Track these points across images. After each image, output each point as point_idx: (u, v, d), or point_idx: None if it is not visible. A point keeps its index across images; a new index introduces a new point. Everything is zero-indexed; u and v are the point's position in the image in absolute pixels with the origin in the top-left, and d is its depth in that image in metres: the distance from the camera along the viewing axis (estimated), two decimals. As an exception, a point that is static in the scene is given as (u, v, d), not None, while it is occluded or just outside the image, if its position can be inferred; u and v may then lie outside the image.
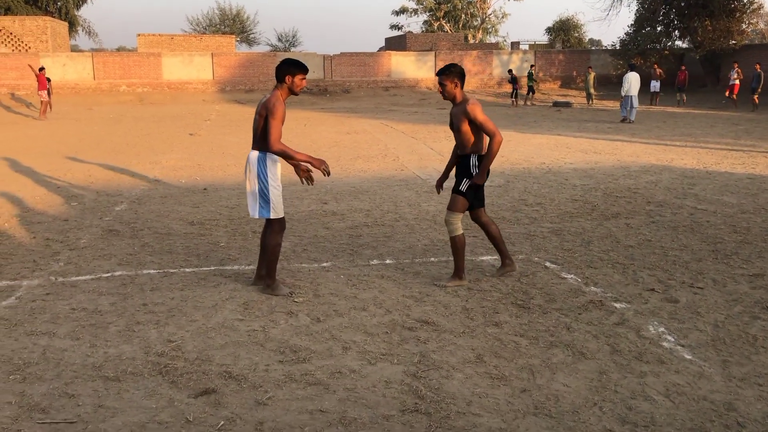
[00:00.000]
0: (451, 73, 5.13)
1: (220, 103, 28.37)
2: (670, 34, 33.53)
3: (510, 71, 29.31)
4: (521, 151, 13.47)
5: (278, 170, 5.13)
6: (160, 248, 6.39)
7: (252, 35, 55.70)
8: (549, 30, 48.53)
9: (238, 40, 47.92)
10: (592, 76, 27.77)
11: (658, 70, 27.55)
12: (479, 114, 5.05)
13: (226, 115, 23.07)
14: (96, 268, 5.73)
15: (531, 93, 28.74)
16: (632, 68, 20.39)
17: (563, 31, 47.18)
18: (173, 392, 3.52)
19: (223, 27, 53.22)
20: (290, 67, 5.06)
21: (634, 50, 32.62)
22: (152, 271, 5.65)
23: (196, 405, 3.39)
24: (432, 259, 6.03)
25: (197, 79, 31.74)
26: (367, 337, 4.26)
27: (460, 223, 5.22)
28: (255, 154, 5.06)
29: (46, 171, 11.01)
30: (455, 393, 3.53)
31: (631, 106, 19.64)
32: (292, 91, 5.14)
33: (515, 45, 43.10)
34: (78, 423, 3.22)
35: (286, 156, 5.02)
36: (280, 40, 56.64)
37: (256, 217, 5.08)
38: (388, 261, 5.96)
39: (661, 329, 4.40)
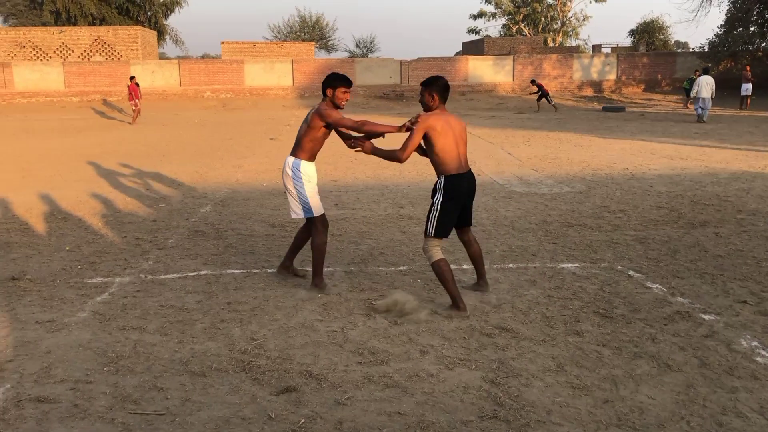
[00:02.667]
0: (431, 85, 4.84)
1: (300, 109, 28.93)
2: (764, 34, 31.92)
3: (533, 81, 28.44)
4: (603, 156, 13.13)
5: (313, 171, 5.28)
6: (243, 249, 6.58)
7: (331, 42, 56.70)
8: (632, 32, 47.15)
9: (317, 47, 48.86)
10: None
11: (750, 73, 26.25)
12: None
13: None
14: (183, 267, 5.96)
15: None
16: (705, 71, 21.16)
17: (647, 33, 45.73)
18: (256, 389, 3.62)
19: (303, 34, 54.38)
20: (332, 81, 5.12)
21: (725, 52, 31.26)
22: (236, 271, 5.82)
23: (277, 402, 3.47)
24: (510, 265, 5.96)
25: (277, 85, 32.51)
26: (445, 341, 4.25)
27: (438, 248, 4.80)
28: (291, 159, 5.25)
29: (136, 174, 11.53)
30: (535, 401, 3.47)
31: (703, 107, 20.38)
32: (335, 104, 5.17)
33: (597, 48, 42.10)
34: (167, 415, 3.36)
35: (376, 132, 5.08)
36: (358, 46, 57.46)
37: (300, 217, 5.28)
38: (465, 266, 5.93)
39: (754, 343, 4.19)
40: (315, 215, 5.25)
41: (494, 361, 3.95)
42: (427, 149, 4.87)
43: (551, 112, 25.90)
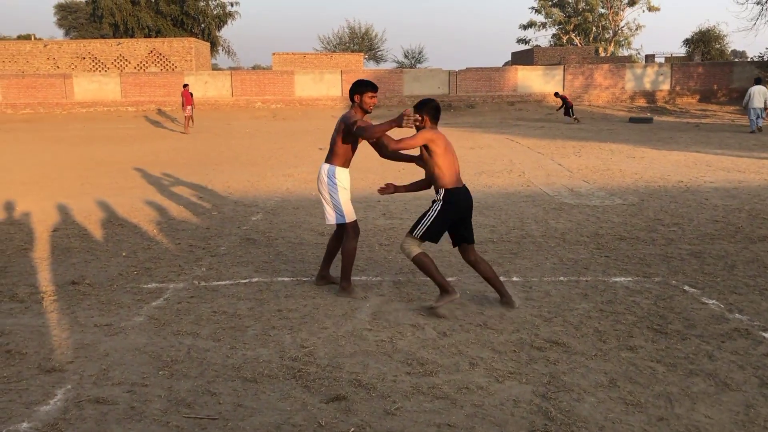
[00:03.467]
0: (422, 107, 5.03)
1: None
2: (826, 43, 30.82)
3: (557, 93, 27.97)
4: (656, 168, 12.85)
5: (346, 178, 5.43)
6: (293, 257, 6.67)
7: (379, 52, 57.04)
8: (687, 41, 46.10)
9: (366, 58, 49.24)
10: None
11: None
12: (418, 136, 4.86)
13: (353, 130, 23.68)
14: (235, 274, 6.07)
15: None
16: (758, 81, 21.28)
17: (703, 42, 44.65)
18: (306, 396, 3.66)
19: (352, 45, 54.88)
20: (359, 87, 5.31)
21: (785, 61, 30.30)
22: (286, 279, 5.90)
23: (327, 410, 3.50)
24: (561, 278, 5.88)
25: (326, 96, 32.87)
26: (495, 354, 4.22)
27: (418, 245, 4.92)
28: (326, 166, 5.43)
29: (189, 182, 11.80)
30: (587, 417, 3.42)
31: (757, 117, 20.54)
32: (363, 110, 5.36)
33: (650, 58, 41.30)
34: (219, 420, 3.42)
35: (384, 141, 5.19)
36: (406, 56, 57.61)
37: (333, 223, 5.44)
38: (514, 278, 5.88)
39: (819, 364, 4.04)
40: (347, 221, 5.38)
41: (545, 375, 3.90)
42: (426, 162, 4.97)
43: (586, 123, 25.48)
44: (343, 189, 5.37)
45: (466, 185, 5.11)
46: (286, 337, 4.52)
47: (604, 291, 5.48)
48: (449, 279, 5.86)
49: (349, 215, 5.39)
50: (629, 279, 5.81)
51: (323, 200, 5.47)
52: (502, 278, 5.85)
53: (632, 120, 26.35)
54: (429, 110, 5.03)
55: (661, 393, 3.68)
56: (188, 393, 3.71)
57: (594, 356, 4.18)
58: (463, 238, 5.06)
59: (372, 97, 5.30)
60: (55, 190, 11.12)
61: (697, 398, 3.61)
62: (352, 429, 3.31)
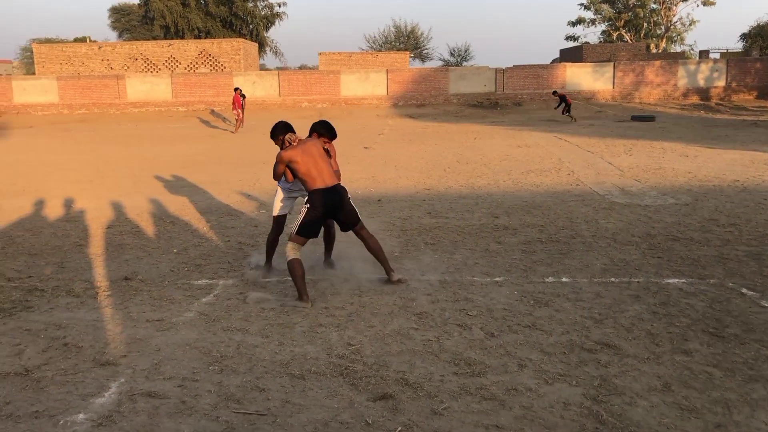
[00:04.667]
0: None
1: (393, 118, 29.20)
2: None
3: (555, 92, 27.30)
4: (710, 167, 12.48)
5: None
6: (339, 255, 6.68)
7: (425, 51, 56.86)
8: (744, 36, 44.66)
9: (411, 56, 49.16)
10: None
11: None
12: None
13: (398, 130, 23.71)
14: (282, 272, 6.11)
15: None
16: None
17: (761, 37, 43.18)
18: (353, 394, 3.66)
19: (398, 44, 54.87)
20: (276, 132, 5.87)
21: None
22: (333, 277, 5.92)
23: (374, 408, 3.50)
24: (612, 279, 5.75)
25: (372, 95, 32.95)
26: (544, 356, 4.16)
27: (296, 249, 5.35)
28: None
29: (239, 180, 11.97)
30: (640, 421, 3.33)
31: None
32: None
33: (704, 54, 40.16)
34: (268, 416, 3.45)
35: None
36: (452, 54, 57.28)
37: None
38: (564, 279, 5.78)
39: None
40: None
41: (596, 378, 3.83)
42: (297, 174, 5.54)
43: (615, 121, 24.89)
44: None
45: (335, 184, 5.54)
46: (333, 335, 4.54)
47: (657, 293, 5.34)
48: (496, 279, 5.81)
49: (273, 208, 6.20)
50: (683, 281, 5.65)
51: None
52: (551, 279, 5.78)
53: (634, 118, 25.64)
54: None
55: (718, 399, 3.56)
56: (237, 388, 3.75)
57: (647, 359, 4.08)
58: (346, 225, 5.62)
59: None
60: (109, 188, 11.42)
61: (757, 405, 3.49)
62: (399, 428, 3.30)
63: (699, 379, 3.80)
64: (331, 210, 5.47)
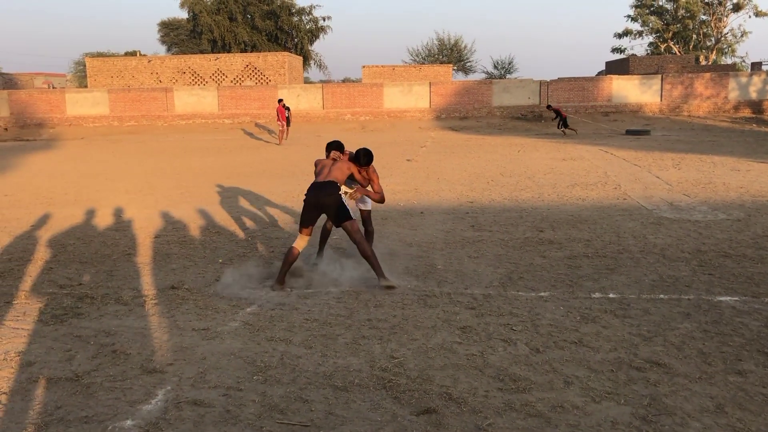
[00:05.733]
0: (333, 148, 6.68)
1: (435, 130, 29.18)
2: None
3: (549, 106, 26.80)
4: (763, 182, 12.12)
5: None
6: (383, 267, 6.67)
7: (468, 63, 56.82)
8: (798, 48, 43.37)
9: (454, 69, 49.16)
10: None
11: None
12: None
13: (441, 142, 23.68)
14: (326, 283, 6.14)
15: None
16: None
17: (816, 48, 41.87)
18: (396, 407, 3.64)
19: (441, 57, 54.94)
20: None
21: None
22: (376, 289, 5.91)
23: (417, 423, 3.47)
24: (661, 296, 5.61)
25: (415, 108, 33.01)
26: (591, 373, 4.07)
27: (299, 239, 6.16)
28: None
29: (282, 191, 12.10)
30: (692, 444, 3.23)
31: None
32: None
33: (756, 66, 39.14)
34: (311, 427, 3.45)
35: None
36: (496, 67, 57.11)
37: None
38: (611, 295, 5.66)
39: None
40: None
41: (645, 397, 3.73)
42: None
43: (683, 134, 24.32)
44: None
45: (326, 180, 6.19)
46: (375, 347, 4.53)
47: (709, 311, 5.19)
48: (541, 294, 5.73)
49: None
50: (736, 299, 5.48)
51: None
52: (597, 294, 5.68)
53: (628, 132, 25.16)
54: (330, 148, 6.76)
55: (774, 422, 3.43)
56: (281, 399, 3.77)
57: (698, 379, 3.95)
58: (335, 220, 6.19)
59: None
60: (156, 198, 11.67)
61: (816, 430, 3.35)
62: (443, 443, 3.26)
63: (754, 401, 3.67)
64: (314, 201, 6.10)
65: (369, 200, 7.00)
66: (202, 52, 43.98)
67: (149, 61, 37.20)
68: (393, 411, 3.60)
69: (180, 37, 55.73)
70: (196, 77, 36.07)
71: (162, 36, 57.47)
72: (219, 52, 41.00)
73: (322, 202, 6.08)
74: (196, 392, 3.87)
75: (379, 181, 6.75)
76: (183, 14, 47.67)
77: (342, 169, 6.31)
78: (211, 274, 6.55)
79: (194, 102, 33.45)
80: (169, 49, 56.72)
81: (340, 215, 6.09)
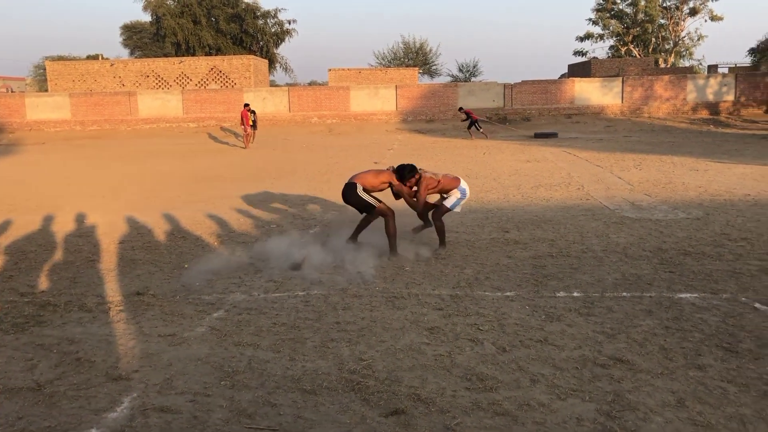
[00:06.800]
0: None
1: (402, 133, 29.29)
2: None
3: (461, 108, 27.43)
4: (721, 181, 12.44)
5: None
6: (352, 269, 6.68)
7: (434, 67, 57.13)
8: (753, 51, 44.54)
9: (420, 72, 49.39)
10: None
11: None
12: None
13: (408, 145, 23.77)
14: (294, 287, 6.14)
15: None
16: None
17: (770, 51, 43.01)
18: (365, 409, 3.65)
19: (407, 60, 55.15)
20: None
21: None
22: (344, 291, 5.92)
23: (387, 424, 3.49)
24: (624, 294, 5.73)
25: (381, 111, 33.10)
26: (556, 371, 4.13)
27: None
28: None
29: (248, 195, 12.02)
30: (654, 438, 3.31)
31: None
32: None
33: (712, 68, 40.12)
34: (280, 431, 3.44)
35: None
36: (461, 70, 57.53)
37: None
38: (575, 294, 5.76)
39: None
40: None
41: (609, 393, 3.80)
42: None
43: (637, 135, 24.85)
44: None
45: (350, 181, 7.44)
46: (344, 350, 4.53)
47: (670, 308, 5.31)
48: (507, 293, 5.80)
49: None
50: (696, 295, 5.62)
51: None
52: (562, 293, 5.77)
53: (537, 135, 25.72)
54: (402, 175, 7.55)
55: (733, 415, 3.53)
56: (249, 403, 3.75)
57: (660, 374, 4.05)
58: (360, 212, 7.54)
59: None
60: (120, 203, 11.50)
61: (773, 421, 3.45)
62: (412, 443, 3.28)
63: (713, 395, 3.77)
64: (344, 196, 7.44)
65: (449, 199, 7.53)
66: (165, 55, 43.41)
67: (112, 65, 36.63)
68: (362, 413, 3.62)
69: (143, 40, 55.00)
70: (160, 81, 35.62)
71: (125, 39, 56.66)
72: (183, 56, 40.53)
73: (344, 197, 7.43)
74: (162, 399, 3.83)
75: (425, 192, 7.41)
76: (146, 17, 47.05)
77: (374, 176, 7.47)
78: (177, 280, 6.48)
79: (158, 106, 33.04)
80: (132, 53, 55.93)
81: (360, 209, 7.45)
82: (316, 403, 3.75)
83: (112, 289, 6.19)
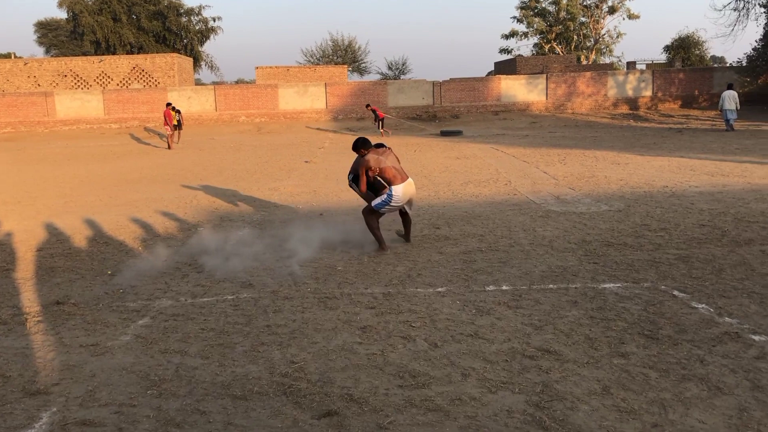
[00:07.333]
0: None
1: (333, 132, 29.17)
2: (803, 47, 31.28)
3: (368, 105, 28.36)
4: (641, 174, 12.93)
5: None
6: (282, 271, 6.61)
7: (363, 64, 57.16)
8: (667, 48, 46.61)
9: (350, 70, 49.36)
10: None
11: None
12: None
13: (339, 143, 23.70)
14: (222, 290, 6.00)
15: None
16: (730, 87, 23.82)
17: (683, 48, 45.14)
18: (297, 413, 3.61)
19: (335, 57, 54.98)
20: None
21: (763, 66, 30.65)
22: (275, 294, 5.84)
23: (319, 426, 3.45)
24: (551, 285, 5.87)
25: (311, 109, 32.88)
26: (487, 364, 4.19)
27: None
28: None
29: (174, 198, 11.72)
30: (581, 426, 3.39)
31: (727, 118, 23.28)
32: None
33: (631, 65, 41.69)
34: (209, 439, 3.35)
35: None
36: (390, 68, 57.76)
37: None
38: (504, 287, 5.86)
39: (809, 365, 4.04)
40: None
41: (538, 384, 3.88)
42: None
43: (559, 131, 25.65)
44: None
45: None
46: (275, 353, 4.46)
47: (594, 298, 5.47)
48: (438, 289, 5.85)
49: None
50: (618, 285, 5.81)
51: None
52: (491, 287, 5.86)
53: (443, 133, 26.39)
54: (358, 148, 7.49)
55: (654, 399, 3.66)
56: (177, 412, 3.64)
57: (586, 364, 4.16)
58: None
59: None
60: (38, 208, 11.00)
61: (691, 403, 3.60)
62: (345, 445, 3.26)
63: (636, 381, 3.90)
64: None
65: (379, 197, 7.44)
66: (84, 54, 41.83)
67: (26, 64, 34.98)
68: (294, 416, 3.57)
69: (60, 38, 52.84)
70: (78, 80, 34.27)
71: (39, 37, 54.27)
72: (103, 54, 39.15)
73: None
74: (85, 412, 3.67)
75: (362, 171, 7.34)
76: (62, 14, 45.18)
77: (356, 162, 7.41)
78: (99, 287, 6.24)
79: (78, 106, 31.81)
80: (47, 51, 53.62)
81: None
82: (247, 408, 3.67)
83: (30, 300, 5.91)
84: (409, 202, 7.59)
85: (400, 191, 7.29)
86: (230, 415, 3.60)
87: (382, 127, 26.11)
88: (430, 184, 12.37)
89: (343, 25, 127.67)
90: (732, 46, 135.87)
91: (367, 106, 27.86)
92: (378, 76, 56.64)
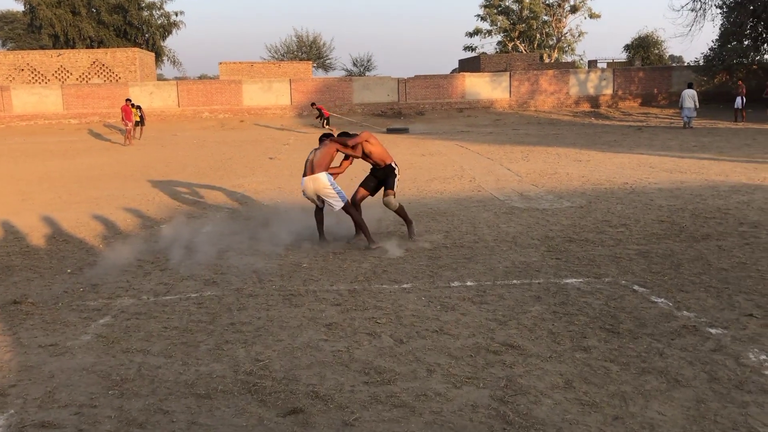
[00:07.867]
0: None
1: (298, 128, 29.01)
2: (758, 47, 32.15)
3: (313, 104, 28.68)
4: (602, 170, 13.15)
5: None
6: (244, 269, 6.55)
7: (328, 61, 56.94)
8: (627, 47, 47.42)
9: (314, 66, 49.09)
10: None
11: (742, 87, 26.40)
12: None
13: (304, 140, 23.57)
14: (185, 288, 5.93)
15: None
16: (689, 86, 24.42)
17: (642, 48, 45.98)
18: (262, 411, 3.58)
19: (300, 54, 54.66)
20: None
21: (720, 66, 31.43)
22: (239, 292, 5.79)
23: (284, 424, 3.44)
24: (514, 281, 5.93)
25: (276, 105, 32.64)
26: (452, 360, 4.22)
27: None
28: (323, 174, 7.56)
29: (136, 195, 11.53)
30: (545, 419, 3.44)
31: (688, 116, 23.87)
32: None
33: (592, 63, 42.34)
34: (173, 438, 3.31)
35: None
36: (355, 64, 57.66)
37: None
38: (469, 283, 5.91)
39: (763, 357, 4.16)
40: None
41: (502, 379, 3.92)
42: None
43: (523, 128, 25.96)
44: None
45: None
46: (240, 351, 4.43)
47: (557, 293, 5.55)
48: (404, 285, 5.87)
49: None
50: (580, 280, 5.90)
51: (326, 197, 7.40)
52: (456, 283, 5.90)
53: (389, 130, 26.47)
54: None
55: (615, 392, 3.73)
56: (140, 412, 3.59)
57: (549, 358, 4.22)
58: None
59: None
60: (-6, 206, 10.71)
61: (650, 396, 3.68)
62: (311, 442, 3.25)
63: (598, 375, 3.97)
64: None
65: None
66: (42, 47, 40.84)
67: (-20, 57, 34.01)
68: (259, 414, 3.54)
69: (16, 31, 51.49)
70: (36, 75, 33.45)
71: (-6, 30, 52.77)
72: (62, 48, 38.28)
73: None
74: (44, 413, 3.59)
75: (341, 146, 7.91)
76: (19, 6, 44.05)
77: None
78: (58, 286, 6.11)
79: (35, 101, 31.04)
80: (3, 44, 52.20)
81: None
82: (211, 407, 3.64)
83: (-15, 299, 5.75)
84: (321, 200, 7.61)
85: (302, 183, 7.61)
86: (194, 415, 3.56)
87: (328, 125, 26.05)
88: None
89: (307, 19, 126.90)
90: (690, 46, 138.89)
91: (313, 104, 27.91)
92: (343, 73, 56.53)
